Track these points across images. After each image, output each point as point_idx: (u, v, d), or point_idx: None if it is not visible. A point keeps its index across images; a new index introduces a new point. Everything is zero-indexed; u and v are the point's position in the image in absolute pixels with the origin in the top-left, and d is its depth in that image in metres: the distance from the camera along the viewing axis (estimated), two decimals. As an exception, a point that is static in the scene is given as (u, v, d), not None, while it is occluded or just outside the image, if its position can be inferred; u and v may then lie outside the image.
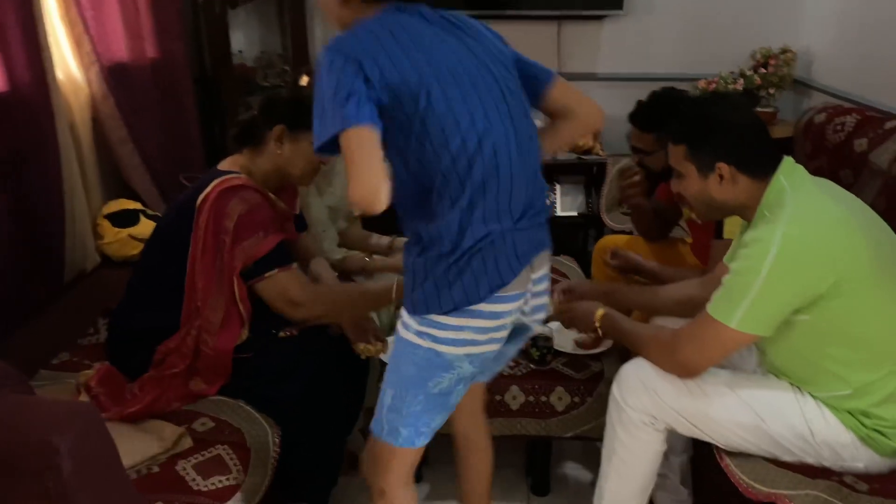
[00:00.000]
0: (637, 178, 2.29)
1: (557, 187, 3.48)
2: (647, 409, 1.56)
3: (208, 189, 1.71)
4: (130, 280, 1.85)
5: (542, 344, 1.93)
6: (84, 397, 1.58)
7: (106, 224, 2.40)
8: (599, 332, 1.78)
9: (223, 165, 1.81)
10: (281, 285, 1.73)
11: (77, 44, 2.26)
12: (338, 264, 2.21)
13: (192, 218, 1.70)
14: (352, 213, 2.43)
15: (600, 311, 1.77)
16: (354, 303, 1.83)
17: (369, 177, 1.14)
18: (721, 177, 1.54)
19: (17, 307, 1.99)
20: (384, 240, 2.39)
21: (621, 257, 2.24)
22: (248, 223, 1.69)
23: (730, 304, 1.45)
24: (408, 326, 1.34)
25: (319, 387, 1.76)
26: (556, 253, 3.39)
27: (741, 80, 3.18)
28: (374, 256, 2.27)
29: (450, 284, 1.26)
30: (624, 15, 3.36)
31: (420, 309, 1.30)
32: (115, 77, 2.43)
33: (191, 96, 2.97)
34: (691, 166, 1.58)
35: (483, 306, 1.29)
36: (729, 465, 1.56)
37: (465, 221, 1.25)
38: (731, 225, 1.86)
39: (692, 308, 1.67)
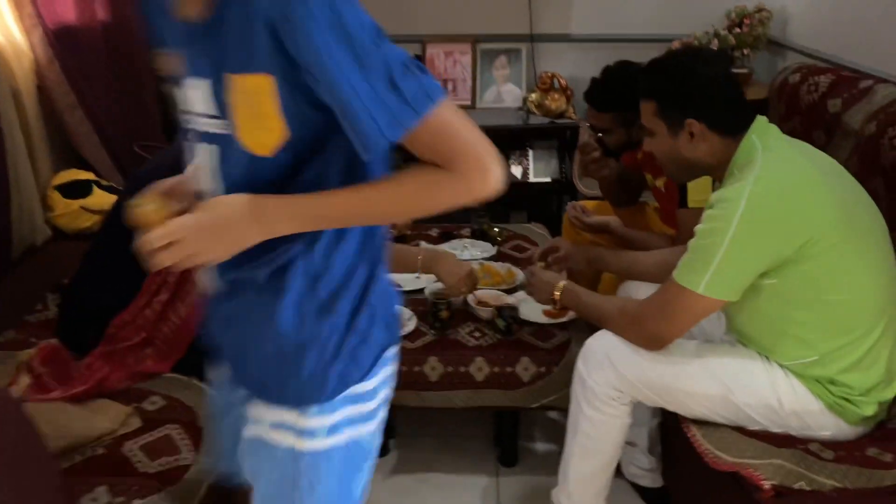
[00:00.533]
0: (596, 154, 2.23)
1: (530, 152, 3.41)
2: (612, 384, 1.52)
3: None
4: (87, 253, 1.77)
5: (507, 314, 1.88)
6: (25, 378, 1.51)
7: (56, 196, 2.31)
8: (558, 305, 1.74)
9: None
10: None
11: (17, 5, 2.14)
12: None
13: None
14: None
15: (560, 283, 1.73)
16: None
17: (492, 148, 0.90)
18: (691, 134, 1.49)
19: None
20: None
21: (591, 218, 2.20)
22: None
23: (696, 269, 1.41)
24: (310, 432, 0.94)
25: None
26: (527, 220, 3.43)
27: (715, 40, 3.11)
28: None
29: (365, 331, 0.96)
30: (597, -27, 3.26)
31: (334, 388, 0.94)
32: (62, 41, 2.31)
33: (146, 61, 2.85)
34: (661, 123, 1.54)
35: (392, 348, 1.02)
36: (695, 434, 1.53)
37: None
38: (695, 193, 1.81)
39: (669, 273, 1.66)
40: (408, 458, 2.10)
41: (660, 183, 2.13)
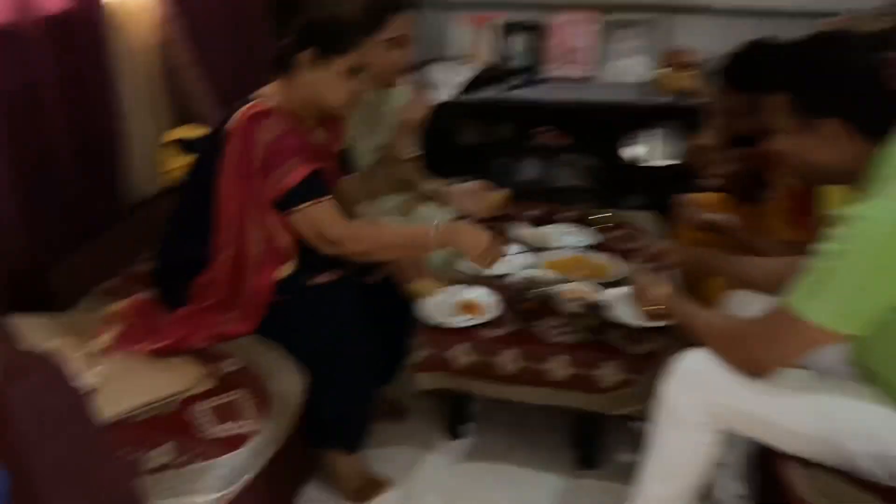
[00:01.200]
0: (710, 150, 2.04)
1: (653, 133, 3.18)
2: (701, 408, 1.36)
3: (237, 116, 1.61)
4: (174, 209, 1.81)
5: (598, 313, 1.75)
6: (115, 328, 1.57)
7: (171, 150, 2.39)
8: (659, 311, 1.59)
9: (259, 93, 1.70)
10: (313, 220, 1.62)
11: (141, -39, 2.20)
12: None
13: (222, 146, 1.62)
14: (401, 154, 2.28)
15: (665, 290, 1.58)
16: (394, 243, 1.71)
17: None
18: (826, 135, 1.28)
19: (75, 230, 2.01)
20: (435, 184, 2.25)
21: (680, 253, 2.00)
22: (277, 151, 1.59)
23: (815, 294, 1.22)
24: None
25: (353, 334, 1.67)
26: (642, 206, 3.22)
27: (886, 19, 2.72)
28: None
29: None
30: (747, -62, 2.94)
31: None
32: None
33: (263, 22, 2.87)
34: (793, 121, 1.33)
35: None
36: (795, 476, 1.35)
37: None
38: (837, 196, 1.59)
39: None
40: (483, 446, 2.04)
41: (795, 178, 1.90)
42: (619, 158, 3.15)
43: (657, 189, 3.41)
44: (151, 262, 2.00)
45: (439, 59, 3.36)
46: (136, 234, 2.16)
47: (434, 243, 1.66)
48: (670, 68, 3.05)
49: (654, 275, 1.70)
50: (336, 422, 1.75)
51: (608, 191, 3.20)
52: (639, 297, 1.69)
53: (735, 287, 1.78)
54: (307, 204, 1.62)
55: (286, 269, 1.68)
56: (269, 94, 1.69)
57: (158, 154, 2.37)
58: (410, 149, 2.31)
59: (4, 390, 0.86)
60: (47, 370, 0.91)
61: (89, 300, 1.84)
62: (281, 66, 1.68)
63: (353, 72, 1.65)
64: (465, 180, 3.30)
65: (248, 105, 1.63)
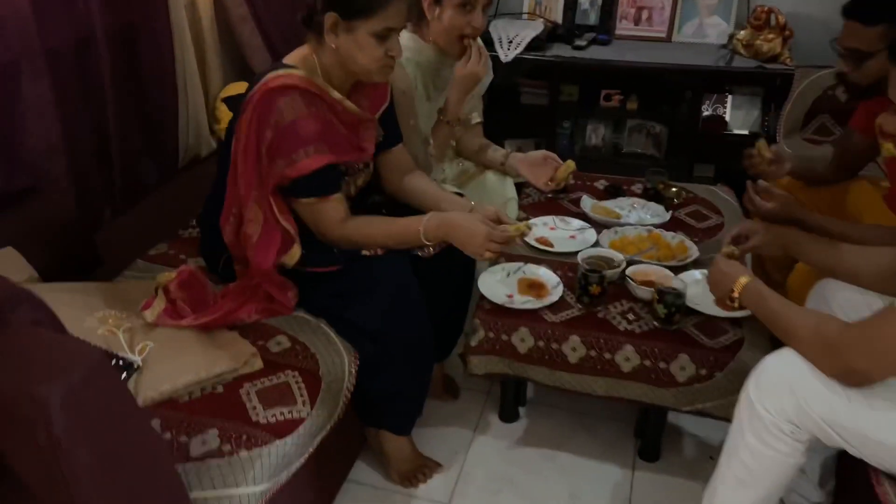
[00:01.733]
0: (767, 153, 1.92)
1: (729, 98, 2.97)
2: (788, 416, 1.25)
3: (258, 85, 1.51)
4: (216, 175, 1.74)
5: (670, 300, 1.62)
6: (161, 301, 1.51)
7: (223, 107, 2.32)
8: (736, 304, 1.45)
9: (289, 58, 1.59)
10: (314, 215, 1.59)
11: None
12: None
13: (238, 115, 1.53)
14: (469, 119, 2.16)
15: (743, 279, 1.43)
16: (385, 243, 1.62)
17: None
18: None
19: (128, 189, 1.97)
20: (500, 152, 2.11)
21: (777, 199, 1.81)
22: (289, 137, 1.48)
23: None
24: None
25: (402, 311, 1.59)
26: (714, 175, 3.02)
27: None
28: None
29: None
30: None
31: None
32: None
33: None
34: None
35: None
36: (887, 492, 1.23)
37: None
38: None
39: (888, 285, 1.37)
40: (537, 431, 1.95)
41: None
42: (692, 125, 2.94)
43: (734, 157, 3.20)
44: (198, 228, 1.96)
45: (503, 14, 3.18)
46: (188, 196, 2.10)
47: (426, 238, 1.59)
48: (752, 30, 2.81)
49: (730, 262, 1.55)
50: (387, 402, 1.68)
51: (679, 160, 3.01)
52: (715, 285, 1.57)
53: (825, 275, 1.62)
54: (312, 199, 1.56)
55: (293, 255, 1.59)
56: (300, 58, 1.58)
57: (213, 111, 2.30)
58: (475, 114, 2.18)
59: (41, 390, 0.80)
60: (89, 365, 0.84)
61: (136, 268, 1.79)
62: (310, 27, 1.57)
63: (380, 37, 1.52)
64: (529, 144, 3.19)
65: (272, 74, 1.52)
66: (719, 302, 1.58)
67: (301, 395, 1.42)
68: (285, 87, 1.50)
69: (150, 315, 1.48)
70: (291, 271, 1.62)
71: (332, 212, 1.58)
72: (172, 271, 1.57)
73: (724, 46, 2.94)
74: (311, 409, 1.41)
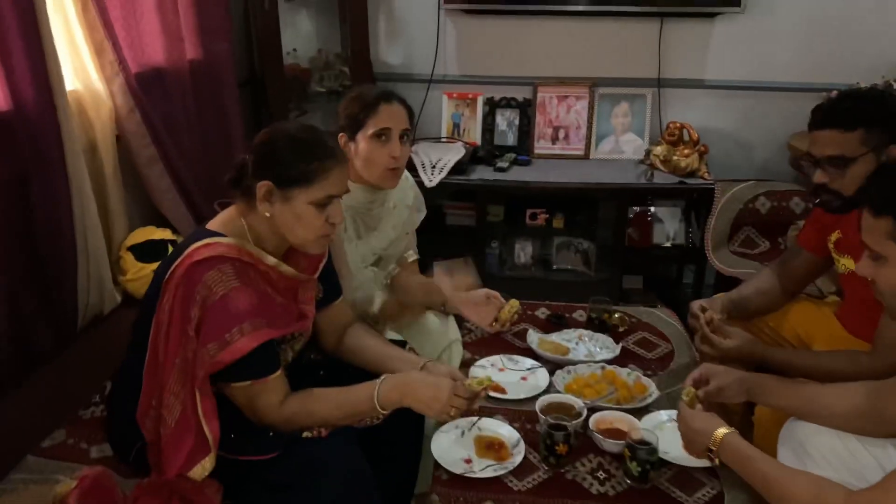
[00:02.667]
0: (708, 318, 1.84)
1: (652, 212, 3.00)
2: None
3: (179, 259, 1.34)
4: (126, 356, 1.52)
5: (643, 456, 1.49)
6: (60, 518, 1.24)
7: (129, 257, 2.09)
8: (716, 461, 1.35)
9: (213, 223, 1.43)
10: (250, 400, 1.39)
11: (98, 52, 1.93)
12: (377, 317, 1.83)
13: (158, 294, 1.35)
14: (406, 257, 2.04)
15: (719, 434, 1.34)
16: (334, 416, 1.43)
17: None
18: None
19: (20, 359, 1.69)
20: (442, 292, 1.99)
21: (736, 337, 1.78)
22: (220, 315, 1.31)
23: None
24: None
25: (351, 499, 1.38)
26: (646, 290, 3.01)
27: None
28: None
29: None
30: (740, 13, 2.82)
31: None
32: (146, 86, 2.11)
33: (235, 103, 2.64)
34: None
35: None
36: None
37: None
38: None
39: (864, 424, 1.33)
40: None
41: (891, 312, 1.69)
42: (619, 240, 2.94)
43: (659, 270, 3.24)
44: (103, 405, 1.70)
45: (421, 139, 3.15)
46: (90, 363, 1.84)
47: (381, 406, 1.42)
48: (667, 145, 2.89)
49: (700, 414, 1.47)
50: None
51: (608, 273, 2.98)
52: (690, 444, 1.48)
53: (794, 415, 1.55)
54: (247, 383, 1.37)
55: (203, 468, 1.34)
56: (227, 223, 1.43)
57: (118, 261, 2.07)
58: (410, 252, 2.07)
59: None
60: None
61: (27, 467, 1.50)
62: (238, 189, 1.43)
63: (321, 205, 1.39)
64: (457, 263, 3.10)
65: (195, 245, 1.35)
66: (696, 457, 1.47)
67: None
68: (212, 258, 1.33)
69: (43, 540, 1.21)
70: (217, 459, 1.39)
71: (270, 394, 1.38)
72: (72, 480, 1.31)
73: (641, 162, 3.00)
74: None
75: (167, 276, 1.35)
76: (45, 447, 1.56)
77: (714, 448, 1.36)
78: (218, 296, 1.30)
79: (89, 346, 1.91)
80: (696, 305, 1.89)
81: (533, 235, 3.10)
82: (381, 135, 1.75)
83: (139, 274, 2.06)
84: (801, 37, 2.91)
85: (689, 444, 1.45)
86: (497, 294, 1.95)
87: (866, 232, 1.24)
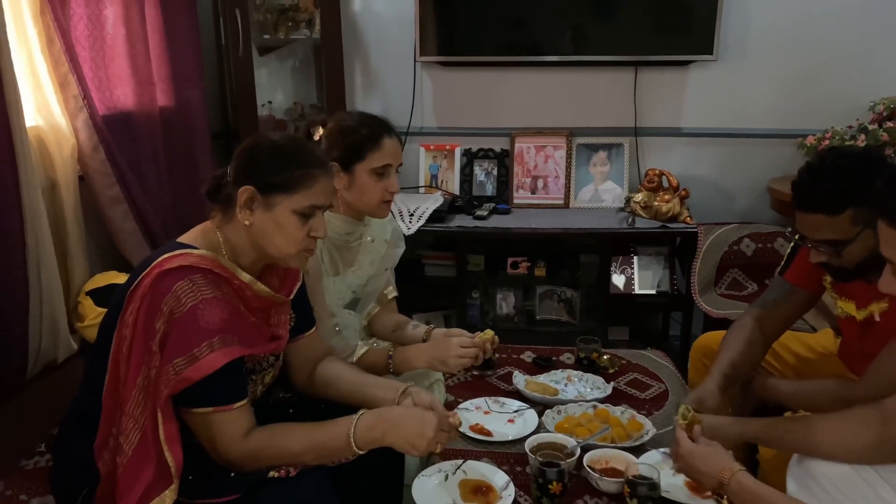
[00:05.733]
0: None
1: (635, 260, 2.94)
2: None
3: (146, 270, 1.24)
4: (76, 393, 1.38)
5: (644, 492, 1.36)
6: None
7: (88, 303, 1.96)
8: (725, 501, 1.24)
9: (186, 237, 1.34)
10: (210, 430, 1.24)
11: (62, 85, 1.87)
12: (359, 362, 1.71)
13: (121, 308, 1.23)
14: (385, 294, 1.93)
15: (728, 472, 1.24)
16: (303, 452, 1.28)
17: None
18: None
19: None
20: (420, 330, 1.87)
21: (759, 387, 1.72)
22: (186, 328, 1.19)
23: None
24: None
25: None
26: (629, 337, 2.92)
27: (862, 137, 2.63)
28: (402, 349, 1.75)
29: None
30: (713, 61, 2.86)
31: None
32: (113, 126, 2.04)
33: (208, 153, 2.59)
34: None
35: None
36: None
37: None
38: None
39: (883, 456, 1.25)
40: None
41: (864, 314, 1.61)
42: (603, 289, 2.87)
43: (645, 318, 3.15)
44: (49, 454, 1.54)
45: (402, 188, 3.10)
46: (38, 413, 1.70)
47: (358, 445, 1.28)
48: (647, 192, 2.86)
49: (703, 449, 1.35)
50: None
51: (593, 324, 2.89)
52: (688, 474, 1.37)
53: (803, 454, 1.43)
54: (209, 409, 1.23)
55: (164, 501, 1.19)
56: (200, 236, 1.34)
57: (76, 307, 1.94)
58: (390, 289, 1.96)
59: None
60: None
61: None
62: (216, 200, 1.34)
63: (304, 215, 1.32)
64: (437, 316, 3.00)
65: (166, 255, 1.26)
66: (706, 494, 1.36)
67: None
68: (182, 267, 1.22)
69: None
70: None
71: (234, 424, 1.24)
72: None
73: (622, 209, 2.96)
74: None
75: (132, 287, 1.23)
76: (-17, 498, 1.39)
77: (726, 484, 1.25)
78: (187, 307, 1.19)
79: (39, 396, 1.77)
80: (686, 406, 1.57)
81: (515, 285, 3.02)
82: (382, 170, 1.69)
83: (98, 320, 1.91)
84: (774, 83, 2.94)
85: (699, 481, 1.34)
86: (461, 331, 1.83)
87: (886, 245, 1.15)
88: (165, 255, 1.25)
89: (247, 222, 1.30)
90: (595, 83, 3.04)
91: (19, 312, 1.74)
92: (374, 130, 1.71)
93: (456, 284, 2.93)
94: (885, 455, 1.29)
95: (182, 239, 1.33)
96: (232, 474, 1.25)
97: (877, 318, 1.57)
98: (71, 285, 1.97)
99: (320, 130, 1.73)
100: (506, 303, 3.02)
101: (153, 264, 1.23)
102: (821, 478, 1.34)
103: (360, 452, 1.30)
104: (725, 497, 1.29)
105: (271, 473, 1.25)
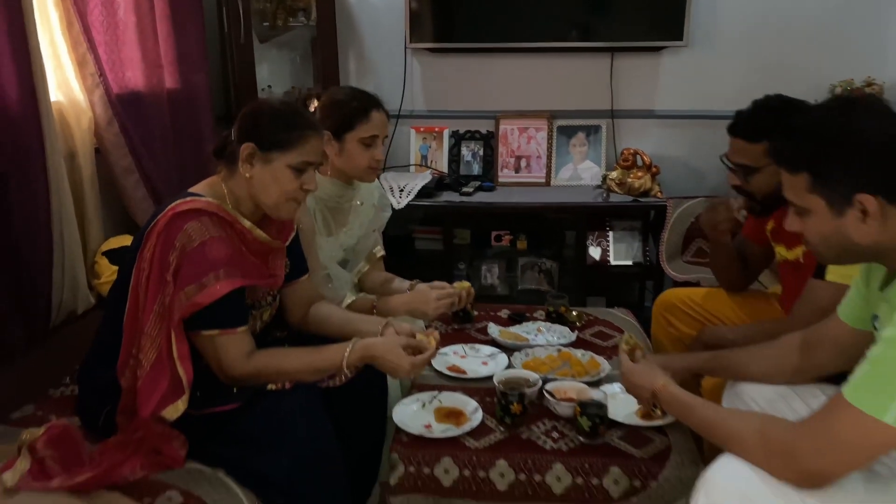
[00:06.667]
0: (739, 210, 1.92)
1: (610, 233, 3.14)
2: None
3: (161, 214, 1.44)
4: (99, 324, 1.59)
5: (593, 411, 1.56)
6: (25, 461, 1.28)
7: (104, 262, 2.17)
8: (658, 411, 1.43)
9: (196, 187, 1.55)
10: (217, 350, 1.46)
11: (80, 64, 2.07)
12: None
13: (139, 247, 1.44)
14: (374, 253, 2.14)
15: (660, 382, 1.42)
16: (300, 371, 1.51)
17: None
18: (864, 212, 1.15)
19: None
20: (405, 284, 2.08)
21: (708, 335, 1.93)
22: (196, 261, 1.40)
23: (884, 389, 1.07)
24: None
25: (315, 456, 1.43)
26: (609, 305, 3.12)
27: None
28: (385, 298, 1.96)
29: None
30: (684, 47, 3.06)
31: None
32: (125, 103, 2.24)
33: (211, 135, 2.78)
34: (819, 200, 1.19)
35: None
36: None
37: None
38: (840, 266, 1.50)
39: (802, 377, 1.45)
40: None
41: (794, 255, 1.82)
42: (580, 261, 3.07)
43: (621, 288, 3.35)
44: (73, 386, 1.75)
45: (391, 167, 3.31)
46: (61, 357, 1.90)
47: (348, 369, 1.52)
48: (622, 169, 3.06)
49: (639, 367, 1.55)
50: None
51: (571, 294, 3.08)
52: (629, 390, 1.57)
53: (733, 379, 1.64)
54: (214, 332, 1.44)
55: (176, 409, 1.41)
56: (208, 187, 1.54)
57: (93, 266, 2.15)
58: (378, 248, 2.17)
59: None
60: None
61: (-2, 432, 1.55)
62: (222, 156, 1.55)
63: (297, 170, 1.52)
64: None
65: (178, 201, 1.46)
66: (644, 408, 1.56)
67: (198, 556, 1.20)
68: (192, 210, 1.43)
69: (10, 478, 1.25)
70: (183, 416, 1.44)
71: (238, 345, 1.46)
72: (39, 429, 1.35)
73: (598, 187, 3.16)
74: (212, 571, 1.19)
75: (150, 228, 1.44)
76: (14, 418, 1.60)
77: (657, 395, 1.43)
78: (196, 243, 1.40)
79: (62, 343, 1.96)
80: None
81: (498, 257, 3.22)
82: (370, 141, 1.89)
83: (113, 278, 2.13)
84: (741, 68, 3.13)
85: (635, 394, 1.53)
86: (442, 283, 2.03)
87: (787, 189, 1.29)
88: (178, 201, 1.45)
89: (247, 175, 1.50)
90: (574, 69, 3.24)
91: (44, 268, 1.94)
92: (363, 104, 1.91)
93: (443, 257, 3.13)
94: (807, 376, 1.47)
95: (192, 189, 1.53)
96: (235, 390, 1.46)
97: (801, 261, 1.78)
98: (88, 246, 2.17)
99: (315, 102, 1.93)
100: (490, 274, 3.22)
101: (167, 208, 1.44)
102: (746, 397, 1.54)
103: (348, 374, 1.52)
104: (659, 407, 1.48)
105: (269, 386, 1.46)
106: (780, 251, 1.92)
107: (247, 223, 1.52)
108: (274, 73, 3.23)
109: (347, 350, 1.50)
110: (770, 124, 1.70)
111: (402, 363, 1.51)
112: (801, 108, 1.71)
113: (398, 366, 1.52)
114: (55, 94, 2.07)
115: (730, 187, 1.93)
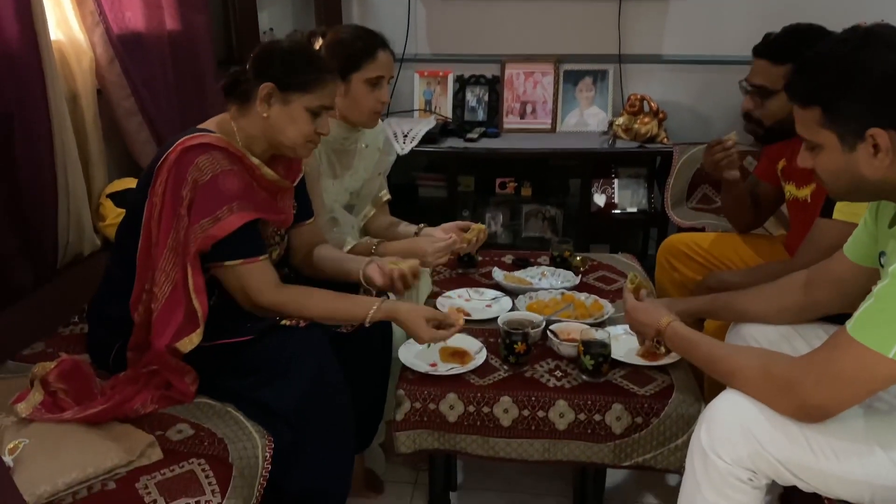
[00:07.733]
0: (731, 142, 1.93)
1: (615, 180, 3.13)
2: (744, 462, 1.19)
3: (171, 148, 1.43)
4: (108, 262, 1.59)
5: (596, 351, 1.58)
6: (38, 394, 1.31)
7: (108, 204, 2.17)
8: (662, 348, 1.45)
9: (204, 124, 1.54)
10: (241, 280, 1.47)
11: (79, 2, 2.03)
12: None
13: (150, 182, 1.44)
14: (380, 197, 2.13)
15: (665, 320, 1.43)
16: (324, 314, 1.53)
17: None
18: (876, 147, 1.13)
19: (2, 289, 1.76)
20: (412, 228, 2.08)
21: (712, 280, 1.92)
22: (209, 194, 1.40)
23: (887, 325, 1.07)
24: None
25: (324, 392, 1.46)
26: (613, 252, 3.13)
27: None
28: (385, 243, 1.96)
29: None
30: (693, -11, 2.99)
31: None
32: (126, 44, 2.20)
33: (213, 78, 2.74)
34: (830, 135, 1.17)
35: None
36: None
37: None
38: (847, 204, 1.49)
39: (805, 316, 1.45)
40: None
41: (803, 194, 1.82)
42: (584, 208, 3.06)
43: (625, 235, 3.35)
44: (84, 323, 1.77)
45: (396, 112, 3.27)
46: (68, 297, 1.91)
47: (370, 321, 1.53)
48: (628, 115, 3.02)
49: (643, 305, 1.56)
50: (307, 497, 1.50)
51: (575, 241, 3.08)
52: (633, 328, 1.59)
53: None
54: (237, 262, 1.45)
55: (191, 341, 1.44)
56: (217, 124, 1.53)
57: (98, 208, 2.15)
58: (384, 192, 2.16)
59: None
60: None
61: (7, 369, 1.57)
62: (234, 94, 1.53)
63: (314, 113, 1.51)
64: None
65: (187, 135, 1.45)
66: (647, 346, 1.58)
67: (210, 485, 1.23)
68: (203, 144, 1.43)
69: (23, 408, 1.28)
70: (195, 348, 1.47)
71: (263, 274, 1.47)
72: (50, 363, 1.38)
73: (605, 133, 3.13)
74: (223, 499, 1.23)
75: (160, 163, 1.43)
76: (24, 354, 1.62)
77: (662, 333, 1.45)
78: (209, 176, 1.40)
79: (69, 284, 1.98)
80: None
81: (503, 204, 3.22)
82: (376, 81, 1.86)
83: (118, 220, 2.13)
84: (749, 11, 3.07)
85: (640, 332, 1.54)
86: (466, 223, 2.03)
87: (800, 124, 1.27)
88: (187, 136, 1.45)
89: (265, 115, 1.48)
90: (581, 12, 3.18)
91: (49, 209, 1.94)
92: (369, 43, 1.87)
93: (447, 205, 3.12)
94: (809, 315, 1.49)
95: (201, 126, 1.52)
96: (248, 325, 1.48)
97: (809, 201, 1.78)
98: (92, 189, 2.16)
99: (320, 41, 1.89)
100: (494, 221, 3.22)
101: (176, 143, 1.43)
102: (748, 337, 1.55)
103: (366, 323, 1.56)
104: (663, 344, 1.50)
105: (283, 321, 1.47)
106: (790, 189, 1.92)
107: (255, 161, 1.52)
108: (275, 17, 3.17)
109: (373, 309, 1.52)
110: (796, 47, 1.67)
111: (422, 334, 1.54)
112: (826, 36, 1.68)
113: (417, 335, 1.55)
114: (55, 32, 2.03)
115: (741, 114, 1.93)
